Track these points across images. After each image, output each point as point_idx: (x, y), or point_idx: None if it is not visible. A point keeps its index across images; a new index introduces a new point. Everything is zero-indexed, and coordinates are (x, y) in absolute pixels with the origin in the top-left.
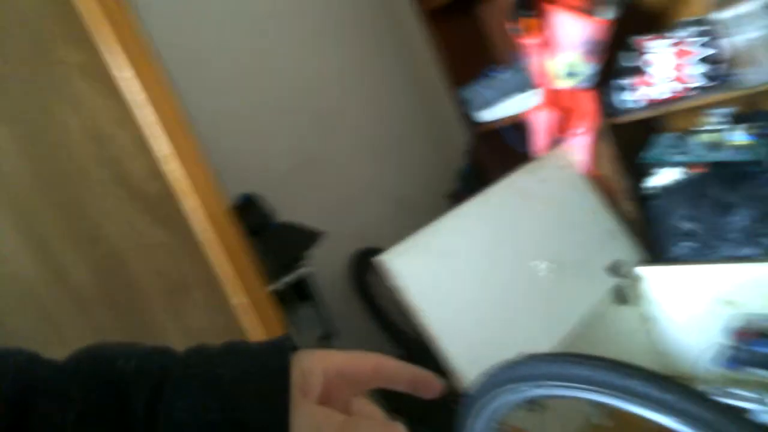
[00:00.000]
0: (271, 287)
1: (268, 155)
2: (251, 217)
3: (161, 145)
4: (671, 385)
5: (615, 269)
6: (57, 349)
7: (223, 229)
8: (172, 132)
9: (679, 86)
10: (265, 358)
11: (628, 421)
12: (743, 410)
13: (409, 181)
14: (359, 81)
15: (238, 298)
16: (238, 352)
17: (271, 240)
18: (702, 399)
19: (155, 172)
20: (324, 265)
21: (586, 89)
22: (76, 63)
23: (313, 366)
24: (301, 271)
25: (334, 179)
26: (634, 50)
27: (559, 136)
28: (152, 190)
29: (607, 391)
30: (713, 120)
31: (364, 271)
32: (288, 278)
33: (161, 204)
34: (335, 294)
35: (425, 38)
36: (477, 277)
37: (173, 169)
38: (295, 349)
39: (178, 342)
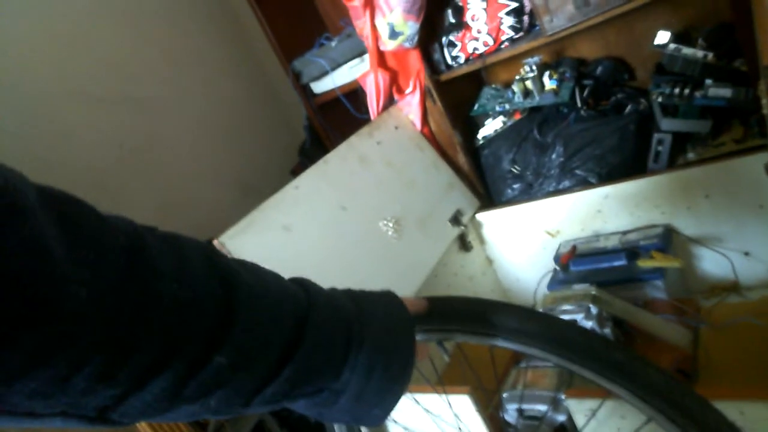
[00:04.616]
0: None
1: (83, 150)
2: None
3: None
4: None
5: (456, 219)
6: None
7: None
8: None
9: (494, 39)
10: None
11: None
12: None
13: (252, 163)
14: (187, 64)
15: None
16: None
17: None
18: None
19: None
20: None
21: (411, 48)
22: None
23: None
24: None
25: (170, 170)
26: (457, 5)
27: (391, 97)
28: None
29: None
30: (526, 69)
31: None
32: None
33: None
34: None
35: (253, 12)
36: (324, 246)
37: None
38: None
39: None
